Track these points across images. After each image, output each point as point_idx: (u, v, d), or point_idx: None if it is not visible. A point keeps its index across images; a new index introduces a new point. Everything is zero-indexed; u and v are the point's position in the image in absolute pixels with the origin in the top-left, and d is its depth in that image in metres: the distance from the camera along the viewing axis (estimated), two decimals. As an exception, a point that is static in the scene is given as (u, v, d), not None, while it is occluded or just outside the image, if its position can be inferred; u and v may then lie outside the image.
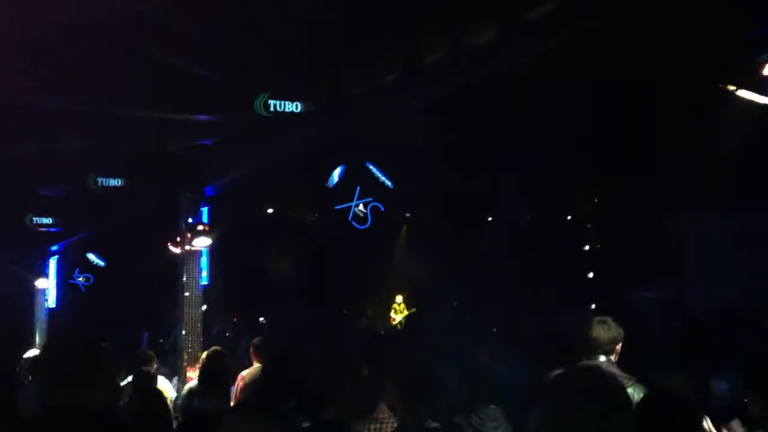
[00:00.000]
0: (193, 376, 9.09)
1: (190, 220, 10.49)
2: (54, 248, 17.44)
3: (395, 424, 3.99)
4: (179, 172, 10.65)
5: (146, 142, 9.36)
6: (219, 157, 10.00)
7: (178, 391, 8.93)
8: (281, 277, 20.41)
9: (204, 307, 10.98)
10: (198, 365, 8.16)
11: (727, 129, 8.99)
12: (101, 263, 18.92)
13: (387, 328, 19.77)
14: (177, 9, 6.37)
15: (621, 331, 4.85)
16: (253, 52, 7.40)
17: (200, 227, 10.37)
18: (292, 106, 7.29)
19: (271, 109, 7.20)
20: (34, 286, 17.22)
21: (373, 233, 16.56)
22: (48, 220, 13.62)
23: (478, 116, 10.17)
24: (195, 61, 7.44)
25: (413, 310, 20.07)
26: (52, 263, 18.08)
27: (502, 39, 6.41)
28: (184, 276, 10.60)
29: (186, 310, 10.53)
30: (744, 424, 3.97)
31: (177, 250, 10.66)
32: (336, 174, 12.90)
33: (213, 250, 11.22)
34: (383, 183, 13.61)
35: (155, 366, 8.08)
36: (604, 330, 4.82)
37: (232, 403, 6.96)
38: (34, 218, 13.45)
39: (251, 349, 8.16)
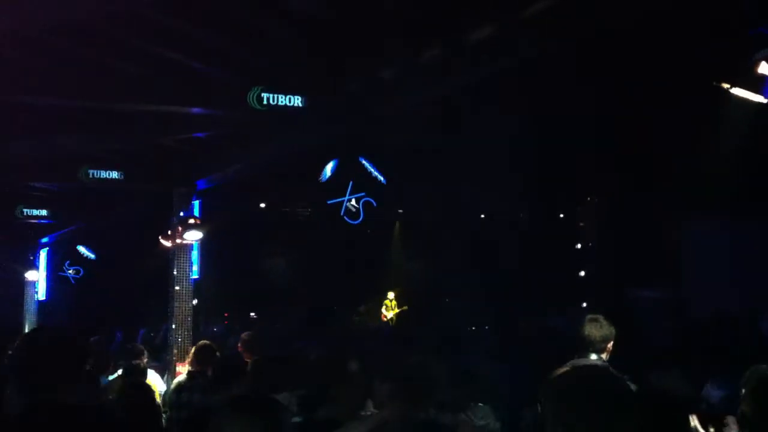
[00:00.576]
0: (182, 371, 9.04)
1: (181, 214, 10.44)
2: (44, 240, 17.37)
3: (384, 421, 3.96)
4: (171, 166, 10.60)
5: (139, 135, 9.31)
6: (212, 150, 9.95)
7: (168, 385, 8.90)
8: (273, 272, 20.39)
9: (195, 302, 10.93)
10: (189, 359, 8.13)
11: (724, 128, 8.98)
12: (92, 256, 18.86)
13: (379, 324, 19.76)
14: (172, 3, 6.32)
15: (613, 330, 4.83)
16: (246, 46, 7.36)
17: (191, 221, 10.32)
18: (286, 100, 7.24)
19: (264, 102, 7.15)
20: (24, 278, 17.14)
21: (366, 229, 16.55)
22: (39, 212, 13.57)
23: (476, 115, 10.14)
24: (188, 55, 7.39)
25: (405, 307, 20.06)
26: (43, 255, 18.01)
27: (500, 37, 6.38)
28: (175, 270, 10.56)
29: (176, 304, 10.49)
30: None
31: (168, 244, 10.61)
32: (328, 168, 12.86)
33: (204, 245, 11.18)
34: (376, 178, 13.56)
35: (145, 360, 8.03)
36: (596, 328, 4.80)
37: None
38: (25, 210, 13.39)
39: (240, 345, 8.12)
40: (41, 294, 17.93)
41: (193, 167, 10.55)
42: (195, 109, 8.27)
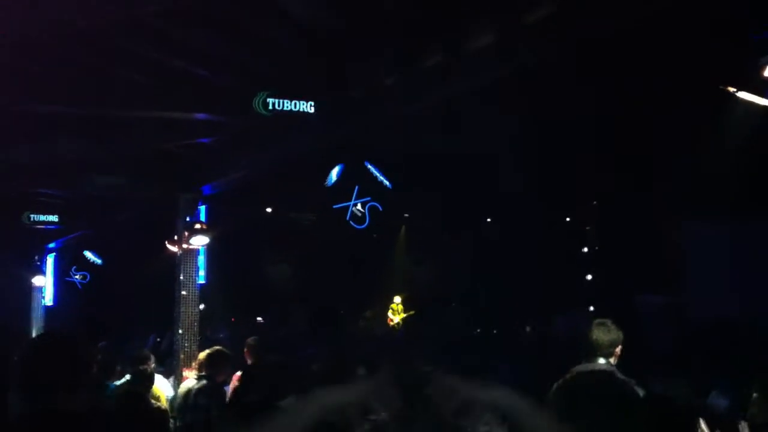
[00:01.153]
0: (189, 375, 9.05)
1: (187, 219, 10.46)
2: (51, 245, 17.40)
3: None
4: (177, 171, 10.62)
5: (145, 141, 9.33)
6: (217, 156, 9.97)
7: (175, 390, 8.90)
8: (279, 276, 20.39)
9: (201, 307, 10.94)
10: (196, 364, 8.13)
11: (729, 131, 8.97)
12: (98, 261, 18.90)
13: (385, 329, 19.73)
14: (176, 10, 6.34)
15: (620, 334, 4.82)
16: (252, 52, 7.37)
17: (198, 226, 10.34)
18: (291, 105, 7.25)
19: (270, 108, 7.16)
20: (31, 283, 17.16)
21: (373, 233, 16.53)
22: (45, 218, 13.60)
23: (478, 118, 10.14)
24: (193, 61, 7.41)
25: (412, 312, 20.02)
26: (50, 261, 18.04)
27: (503, 42, 6.39)
28: (181, 275, 10.57)
29: (183, 309, 10.50)
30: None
31: (174, 249, 10.63)
32: (334, 173, 12.88)
33: (211, 250, 11.19)
34: (382, 183, 13.58)
35: (152, 365, 8.05)
36: (604, 332, 4.80)
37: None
38: (32, 215, 13.42)
39: (246, 349, 8.12)
40: (48, 299, 17.96)
41: (199, 173, 10.57)
42: (200, 115, 8.30)
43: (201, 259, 10.96)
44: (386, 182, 13.93)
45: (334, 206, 14.88)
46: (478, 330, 15.74)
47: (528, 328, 15.54)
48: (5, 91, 7.15)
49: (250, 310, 19.97)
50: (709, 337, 10.44)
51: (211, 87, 7.84)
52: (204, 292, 11.14)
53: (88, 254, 18.77)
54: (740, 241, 13.17)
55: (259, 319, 20.03)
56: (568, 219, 17.82)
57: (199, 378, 7.39)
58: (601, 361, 4.70)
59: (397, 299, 20.37)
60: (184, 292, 10.53)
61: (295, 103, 7.28)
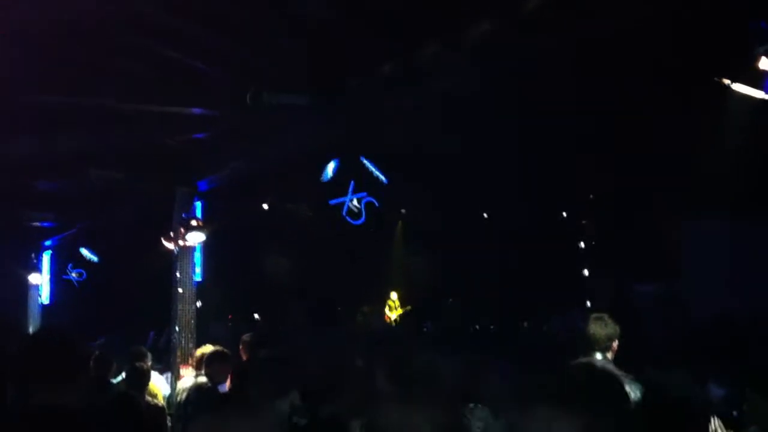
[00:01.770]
0: (185, 374, 9.04)
1: (183, 216, 10.42)
2: (48, 243, 17.37)
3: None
4: (173, 167, 10.58)
5: (141, 136, 9.30)
6: (213, 151, 9.94)
7: (172, 387, 8.90)
8: (276, 273, 20.36)
9: (198, 304, 10.92)
10: (193, 362, 8.12)
11: (725, 126, 8.97)
12: (94, 259, 18.86)
13: (382, 324, 19.72)
14: (174, 5, 6.32)
15: (617, 328, 4.83)
16: (247, 46, 7.36)
17: (194, 222, 10.31)
18: (287, 100, 7.24)
19: (266, 103, 7.15)
20: (27, 281, 17.14)
21: (369, 229, 16.50)
22: (41, 215, 13.56)
23: (475, 115, 10.13)
24: (190, 55, 7.39)
25: (408, 308, 20.04)
26: (46, 258, 18.01)
27: (500, 37, 6.38)
28: (178, 272, 10.54)
29: (179, 306, 10.48)
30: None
31: (171, 246, 10.60)
32: (330, 168, 12.85)
33: (207, 246, 11.16)
34: (377, 178, 13.55)
35: (149, 362, 8.03)
36: (601, 327, 4.80)
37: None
38: (28, 213, 13.39)
39: (242, 346, 8.10)
40: (44, 297, 17.94)
41: (195, 168, 10.54)
42: (196, 110, 8.28)
43: (197, 257, 10.94)
44: (382, 177, 13.90)
45: (330, 202, 14.85)
46: (476, 326, 15.77)
47: (525, 324, 15.55)
48: (1, 84, 7.12)
49: (247, 307, 19.96)
50: (709, 334, 10.45)
51: (207, 81, 7.82)
52: (201, 289, 11.12)
53: (85, 252, 18.73)
54: (740, 239, 13.18)
55: (255, 315, 20.02)
56: (564, 214, 17.82)
57: (196, 376, 7.38)
58: (598, 355, 4.71)
59: (394, 295, 20.37)
60: (180, 290, 10.51)
61: (291, 98, 7.26)
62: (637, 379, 4.48)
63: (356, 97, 7.80)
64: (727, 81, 6.87)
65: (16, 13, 5.85)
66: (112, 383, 7.82)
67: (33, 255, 17.15)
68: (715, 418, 3.83)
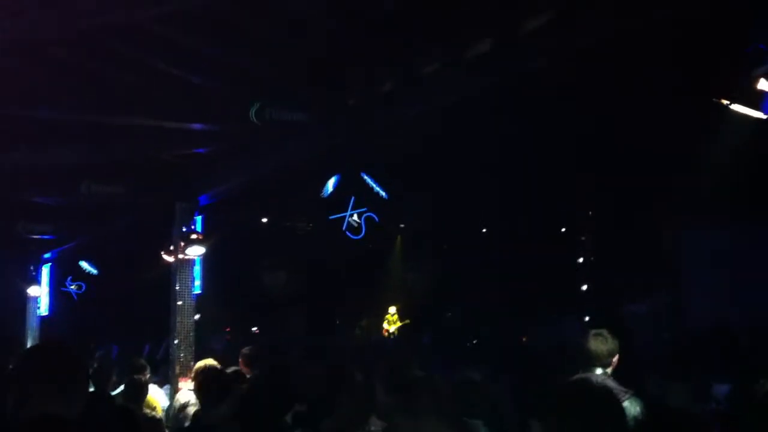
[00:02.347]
0: (183, 386, 9.01)
1: (183, 229, 10.44)
2: (47, 256, 17.36)
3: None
4: (173, 181, 10.61)
5: (141, 150, 9.33)
6: (214, 166, 9.97)
7: (171, 400, 8.87)
8: (275, 286, 20.36)
9: (197, 317, 10.91)
10: (191, 376, 8.08)
11: (723, 143, 9.00)
12: (94, 271, 18.85)
13: (381, 338, 19.72)
14: (174, 18, 6.35)
15: (617, 344, 4.83)
16: (248, 61, 7.38)
17: (194, 236, 10.33)
18: (287, 115, 7.27)
19: (266, 117, 7.17)
20: (27, 293, 17.11)
21: (368, 243, 16.51)
22: (41, 228, 13.56)
23: (474, 126, 10.17)
24: (190, 70, 7.42)
25: (407, 321, 20.03)
26: (45, 271, 17.99)
27: (499, 50, 6.42)
28: (177, 285, 10.54)
29: (178, 319, 10.47)
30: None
31: (170, 259, 10.61)
32: (330, 184, 12.88)
33: (207, 259, 11.16)
34: (378, 193, 13.58)
35: (147, 375, 8.02)
36: (601, 342, 4.80)
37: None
38: (27, 225, 13.38)
39: (241, 360, 8.09)
40: (43, 309, 17.90)
41: (195, 182, 10.56)
42: (196, 125, 8.30)
43: (197, 269, 10.94)
44: (383, 193, 13.93)
45: (331, 217, 14.88)
46: (474, 341, 15.76)
47: (524, 339, 15.54)
48: (1, 97, 7.14)
49: (246, 320, 19.95)
50: (709, 342, 10.45)
51: (208, 96, 7.85)
52: (200, 302, 11.11)
53: (84, 264, 18.71)
54: (740, 246, 13.19)
55: (254, 329, 20.00)
56: (563, 229, 17.83)
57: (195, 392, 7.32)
58: (599, 371, 4.71)
59: (392, 309, 20.37)
60: (179, 302, 10.51)
61: (292, 113, 7.29)
62: (637, 394, 4.48)
63: (357, 110, 7.83)
64: (725, 101, 6.89)
65: (18, 24, 5.88)
66: (110, 395, 7.80)
67: (32, 267, 17.13)
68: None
